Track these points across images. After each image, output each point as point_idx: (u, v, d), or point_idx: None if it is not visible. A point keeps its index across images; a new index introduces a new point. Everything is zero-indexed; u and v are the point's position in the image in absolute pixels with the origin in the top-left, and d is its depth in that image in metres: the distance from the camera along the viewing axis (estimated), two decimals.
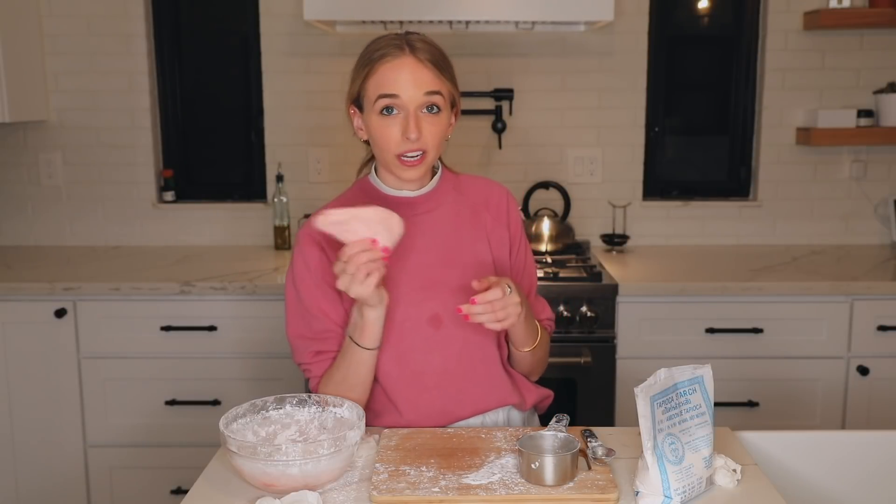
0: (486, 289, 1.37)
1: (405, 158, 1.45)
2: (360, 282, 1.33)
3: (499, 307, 1.37)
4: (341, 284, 1.34)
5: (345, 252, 1.32)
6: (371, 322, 1.41)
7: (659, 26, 3.02)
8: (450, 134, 1.52)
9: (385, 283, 1.47)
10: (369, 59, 1.45)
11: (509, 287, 1.39)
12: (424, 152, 1.45)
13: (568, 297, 2.46)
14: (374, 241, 1.32)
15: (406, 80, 1.42)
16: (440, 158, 1.58)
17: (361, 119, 1.50)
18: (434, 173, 1.57)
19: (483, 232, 1.58)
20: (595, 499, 1.22)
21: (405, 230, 1.35)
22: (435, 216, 1.55)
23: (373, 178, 1.56)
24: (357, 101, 1.49)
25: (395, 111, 1.43)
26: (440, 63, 1.46)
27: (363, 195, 1.55)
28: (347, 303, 1.49)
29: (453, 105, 1.51)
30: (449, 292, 1.51)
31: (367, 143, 1.55)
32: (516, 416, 1.61)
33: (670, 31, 3.05)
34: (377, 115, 1.44)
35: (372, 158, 1.60)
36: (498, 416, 1.58)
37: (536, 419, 1.68)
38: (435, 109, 1.45)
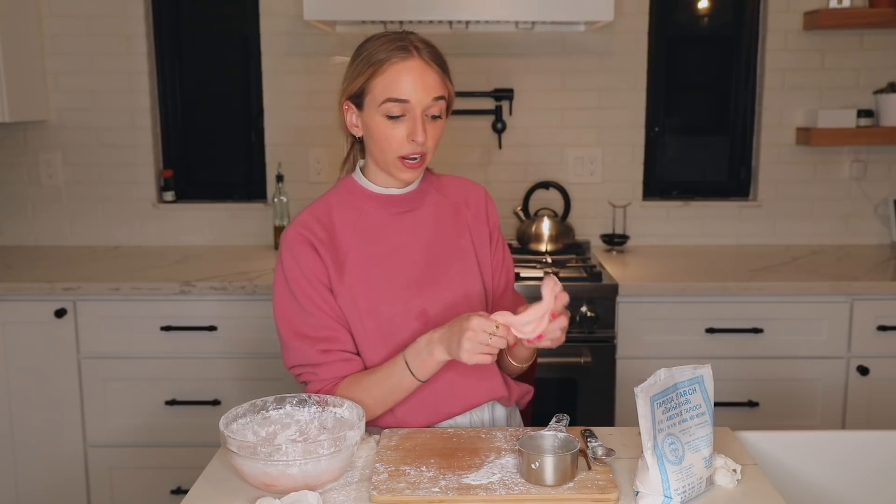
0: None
1: (407, 161, 1.46)
2: (478, 350, 1.34)
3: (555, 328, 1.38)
4: (469, 335, 1.33)
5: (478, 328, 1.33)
6: (436, 364, 1.42)
7: (659, 26, 3.02)
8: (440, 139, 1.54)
9: (372, 280, 1.48)
10: (375, 59, 1.44)
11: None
12: (424, 155, 1.47)
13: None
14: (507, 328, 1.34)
15: (415, 84, 1.43)
16: None
17: (358, 116, 1.50)
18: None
19: (465, 229, 1.61)
20: (595, 499, 1.22)
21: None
22: (419, 214, 1.57)
23: (358, 177, 1.58)
24: (356, 98, 1.49)
25: (400, 116, 1.44)
26: (443, 64, 1.49)
27: (348, 195, 1.56)
28: (340, 299, 1.49)
29: (448, 108, 1.53)
30: (435, 287, 1.53)
31: (358, 140, 1.56)
32: (500, 411, 1.62)
33: (670, 31, 3.05)
34: (382, 116, 1.45)
35: (350, 155, 1.61)
36: (483, 413, 1.59)
37: (518, 415, 1.70)
38: (438, 116, 1.47)
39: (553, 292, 1.35)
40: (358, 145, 1.60)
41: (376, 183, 1.56)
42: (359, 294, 1.50)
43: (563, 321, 1.37)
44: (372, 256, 1.52)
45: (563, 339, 1.40)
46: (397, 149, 1.46)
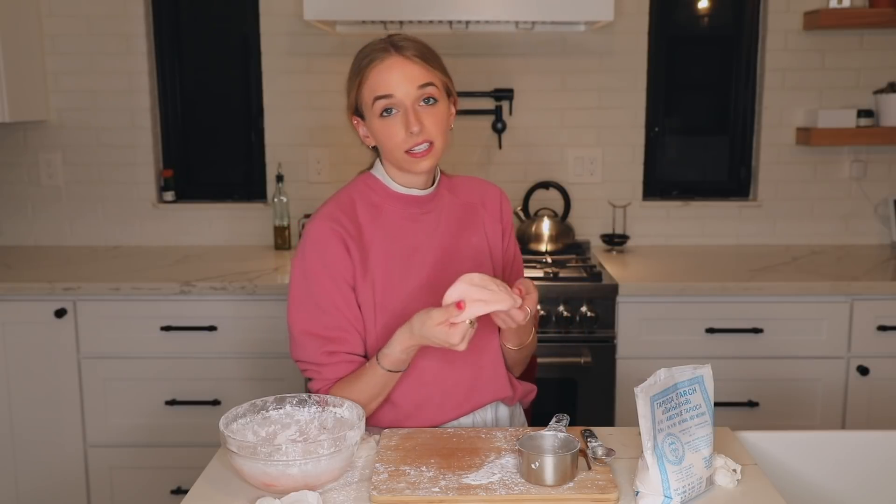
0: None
1: (414, 151, 1.47)
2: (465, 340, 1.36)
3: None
4: (457, 339, 1.35)
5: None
6: (412, 356, 1.45)
7: (659, 26, 3.02)
8: (452, 122, 1.54)
9: (390, 278, 1.49)
10: (358, 67, 1.49)
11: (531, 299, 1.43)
12: (431, 143, 1.48)
13: (568, 297, 2.46)
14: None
15: (397, 78, 1.45)
16: None
17: (365, 127, 1.53)
18: (434, 178, 1.60)
19: (480, 227, 1.63)
20: (595, 499, 1.22)
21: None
22: (435, 216, 1.58)
23: (379, 173, 1.57)
24: (357, 111, 1.52)
25: (394, 111, 1.46)
26: (427, 56, 1.49)
27: (368, 190, 1.57)
28: (361, 295, 1.50)
29: (449, 94, 1.54)
30: (448, 288, 1.52)
31: (375, 149, 1.57)
32: (504, 410, 1.62)
33: (670, 31, 3.05)
34: (378, 118, 1.47)
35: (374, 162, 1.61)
36: (486, 413, 1.59)
37: (521, 412, 1.70)
38: (432, 101, 1.48)
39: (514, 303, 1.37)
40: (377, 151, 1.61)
41: (396, 181, 1.56)
42: (378, 290, 1.51)
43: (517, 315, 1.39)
44: (390, 254, 1.53)
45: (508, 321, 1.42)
46: (401, 145, 1.46)
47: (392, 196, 1.55)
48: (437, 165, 1.60)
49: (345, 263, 1.48)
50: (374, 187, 1.56)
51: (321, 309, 1.48)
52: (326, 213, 1.52)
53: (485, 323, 1.55)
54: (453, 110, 1.55)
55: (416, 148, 1.46)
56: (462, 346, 1.36)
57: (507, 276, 1.66)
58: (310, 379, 1.53)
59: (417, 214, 1.56)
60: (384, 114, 1.46)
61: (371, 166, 1.60)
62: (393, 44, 1.48)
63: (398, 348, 1.42)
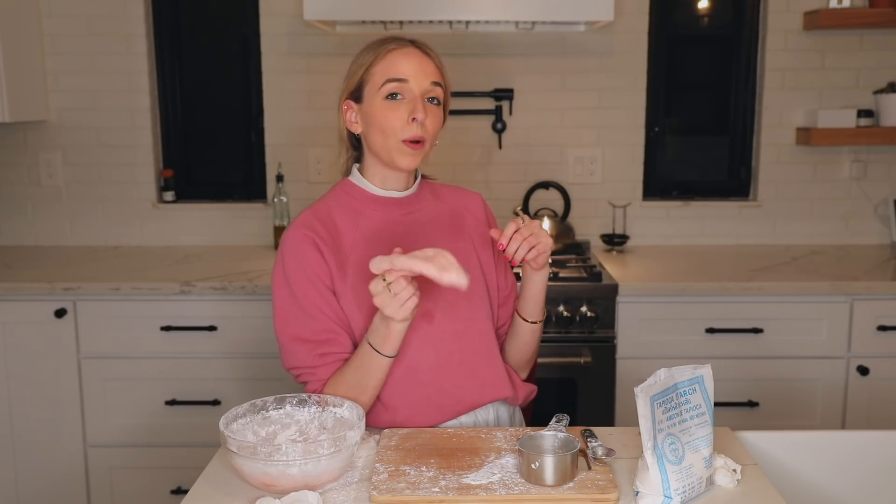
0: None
1: (410, 143, 1.47)
2: (398, 305, 1.32)
3: (527, 234, 1.44)
4: (377, 301, 1.32)
5: (389, 277, 1.31)
6: (396, 333, 1.40)
7: (659, 26, 3.02)
8: (439, 136, 1.55)
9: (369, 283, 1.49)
10: (373, 50, 1.50)
11: (522, 220, 1.46)
12: (424, 140, 1.48)
13: (568, 297, 2.46)
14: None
15: (414, 67, 1.47)
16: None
17: (357, 112, 1.53)
18: (414, 178, 1.61)
19: (466, 233, 1.62)
20: (595, 499, 1.22)
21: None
22: (419, 217, 1.59)
23: (357, 179, 1.57)
24: (355, 93, 1.52)
25: (399, 97, 1.47)
26: (441, 64, 1.53)
27: (346, 196, 1.57)
28: (343, 300, 1.49)
29: (445, 108, 1.56)
30: (438, 288, 1.52)
31: (353, 146, 1.58)
32: (504, 412, 1.62)
33: (670, 31, 3.05)
34: (382, 99, 1.47)
35: (346, 161, 1.61)
36: (489, 413, 1.59)
37: (520, 414, 1.69)
38: (436, 101, 1.50)
39: (511, 230, 1.46)
40: (354, 151, 1.60)
41: (374, 184, 1.56)
42: (364, 296, 1.49)
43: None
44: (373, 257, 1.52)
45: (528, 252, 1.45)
46: (399, 131, 1.47)
47: (372, 199, 1.55)
48: (418, 171, 1.61)
49: (321, 266, 1.48)
50: (353, 193, 1.57)
51: (308, 314, 1.48)
52: (300, 221, 1.52)
53: (470, 320, 1.55)
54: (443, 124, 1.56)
55: (414, 139, 1.47)
56: (393, 315, 1.32)
57: (500, 281, 1.65)
58: (305, 383, 1.52)
59: (399, 216, 1.56)
60: (390, 97, 1.47)
61: (348, 173, 1.60)
62: (412, 41, 1.51)
63: (377, 316, 1.40)
